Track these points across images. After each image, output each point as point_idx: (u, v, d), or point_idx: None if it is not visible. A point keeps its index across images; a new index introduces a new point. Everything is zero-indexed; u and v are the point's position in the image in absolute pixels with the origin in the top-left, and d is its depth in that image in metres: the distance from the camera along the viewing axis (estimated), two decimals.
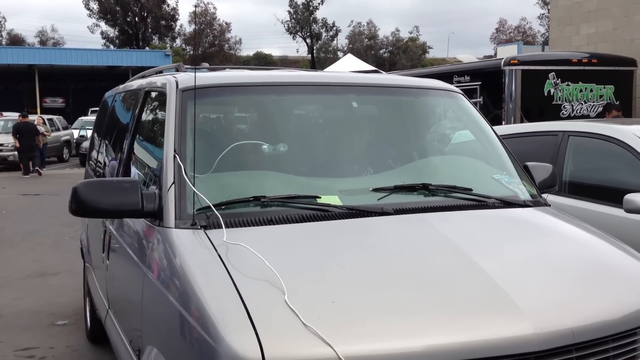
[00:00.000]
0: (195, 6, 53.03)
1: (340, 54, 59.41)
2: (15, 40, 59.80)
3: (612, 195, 4.29)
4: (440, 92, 3.36)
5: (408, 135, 3.24)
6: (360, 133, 3.11)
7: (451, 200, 2.69)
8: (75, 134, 24.65)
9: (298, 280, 2.03)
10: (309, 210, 2.47)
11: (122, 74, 36.12)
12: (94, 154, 4.94)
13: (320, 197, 2.54)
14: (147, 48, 51.29)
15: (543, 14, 65.50)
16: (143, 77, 4.22)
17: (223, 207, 2.44)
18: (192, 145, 2.66)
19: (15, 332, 5.12)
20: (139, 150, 3.29)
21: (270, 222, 2.40)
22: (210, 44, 58.58)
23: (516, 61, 9.97)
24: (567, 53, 11.21)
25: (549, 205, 2.97)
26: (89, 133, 23.68)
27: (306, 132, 3.03)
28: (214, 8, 65.37)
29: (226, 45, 60.30)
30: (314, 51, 59.01)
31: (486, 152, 3.23)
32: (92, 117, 28.14)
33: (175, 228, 2.41)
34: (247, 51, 63.89)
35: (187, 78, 2.98)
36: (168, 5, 57.25)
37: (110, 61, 36.58)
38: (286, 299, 1.91)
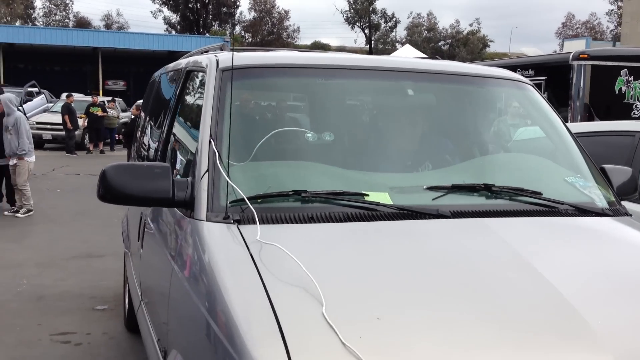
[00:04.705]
0: None
1: (398, 45, 58.65)
2: (82, 23, 61.36)
3: None
4: (506, 82, 3.02)
5: (468, 129, 2.92)
6: (416, 124, 2.80)
7: (517, 205, 2.38)
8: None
9: (339, 289, 1.77)
10: (355, 209, 2.21)
11: None
12: (139, 134, 4.79)
13: (368, 195, 2.27)
14: (207, 34, 51.80)
15: (612, 9, 63.09)
16: (190, 56, 4.03)
17: (260, 200, 2.21)
18: (229, 130, 2.43)
19: (55, 315, 5.05)
20: (177, 134, 3.09)
21: (311, 219, 2.15)
22: (268, 32, 58.76)
23: (586, 55, 9.39)
24: None
25: (630, 215, 2.61)
26: None
27: (355, 121, 2.75)
28: None
29: (284, 34, 60.39)
30: (372, 42, 58.40)
31: (558, 152, 2.89)
32: None
33: (206, 221, 2.18)
34: (304, 40, 63.88)
35: (228, 57, 2.74)
36: None
37: (170, 46, 36.97)
38: (324, 311, 1.65)
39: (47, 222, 8.90)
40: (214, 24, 58.75)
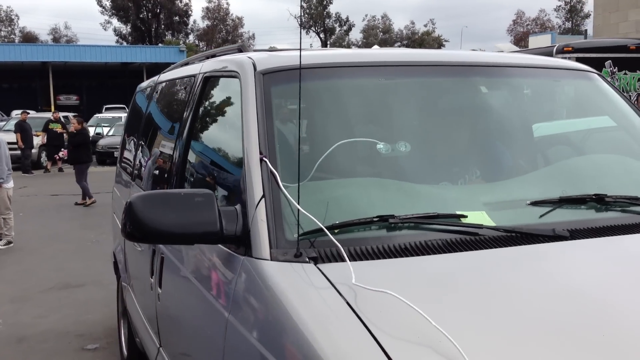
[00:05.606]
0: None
1: (354, 48, 58.67)
2: (29, 38, 59.46)
3: None
4: (576, 73, 2.67)
5: (549, 128, 2.55)
6: (496, 126, 2.39)
7: (633, 217, 2.00)
8: (91, 131, 24.03)
9: (480, 348, 1.35)
10: (454, 234, 1.79)
11: (135, 71, 35.53)
12: (129, 155, 4.27)
13: (466, 216, 1.85)
14: (160, 45, 50.75)
15: (559, 5, 64.71)
16: (187, 64, 3.56)
17: (336, 230, 1.77)
18: (281, 145, 1.99)
19: (41, 359, 4.48)
20: (200, 153, 2.61)
21: (406, 252, 1.72)
22: (223, 40, 58.04)
23: (570, 48, 9.21)
24: (624, 40, 10.43)
25: None
26: (105, 130, 23.15)
27: (432, 127, 2.31)
28: (227, 3, 64.85)
29: (239, 41, 59.72)
30: (328, 46, 58.25)
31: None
32: (107, 115, 27.53)
33: (271, 260, 1.73)
34: (260, 47, 63.38)
35: (265, 58, 2.30)
36: (181, 1, 56.69)
37: (123, 58, 35.95)
38: None
39: (14, 250, 8.20)
40: (166, 33, 57.67)
